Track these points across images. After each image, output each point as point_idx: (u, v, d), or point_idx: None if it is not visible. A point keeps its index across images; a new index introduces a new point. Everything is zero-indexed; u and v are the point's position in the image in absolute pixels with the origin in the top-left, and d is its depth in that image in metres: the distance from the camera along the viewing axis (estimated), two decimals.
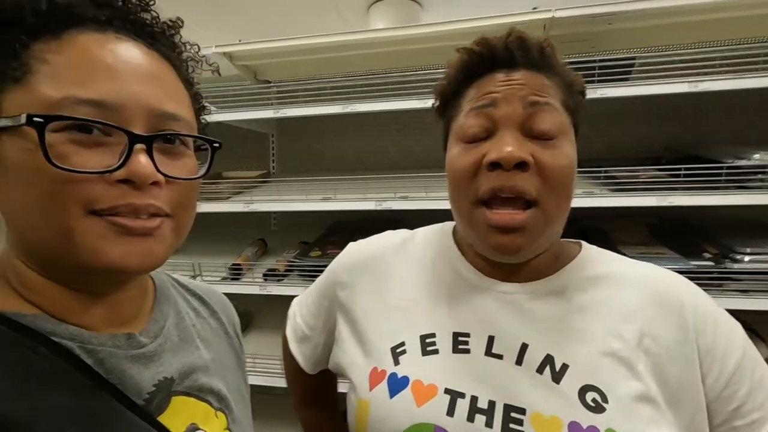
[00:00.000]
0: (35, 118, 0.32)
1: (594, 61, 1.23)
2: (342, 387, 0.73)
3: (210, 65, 0.50)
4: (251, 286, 1.45)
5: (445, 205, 1.40)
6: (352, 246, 0.70)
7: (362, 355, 0.59)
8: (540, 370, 0.50)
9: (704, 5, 1.20)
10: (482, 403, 0.49)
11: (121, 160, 0.35)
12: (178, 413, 0.42)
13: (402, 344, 0.56)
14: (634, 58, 1.26)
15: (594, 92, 1.22)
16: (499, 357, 0.52)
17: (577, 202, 1.33)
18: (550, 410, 0.47)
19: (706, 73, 1.17)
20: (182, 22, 0.45)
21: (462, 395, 0.50)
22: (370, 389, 0.54)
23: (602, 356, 0.49)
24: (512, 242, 0.50)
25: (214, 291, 0.60)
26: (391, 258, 0.64)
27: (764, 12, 1.24)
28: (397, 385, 0.53)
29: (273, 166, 1.98)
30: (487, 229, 0.50)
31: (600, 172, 1.32)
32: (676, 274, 0.56)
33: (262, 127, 1.90)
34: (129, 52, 0.37)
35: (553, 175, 0.49)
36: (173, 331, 0.47)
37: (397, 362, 0.54)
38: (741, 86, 1.14)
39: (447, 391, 0.50)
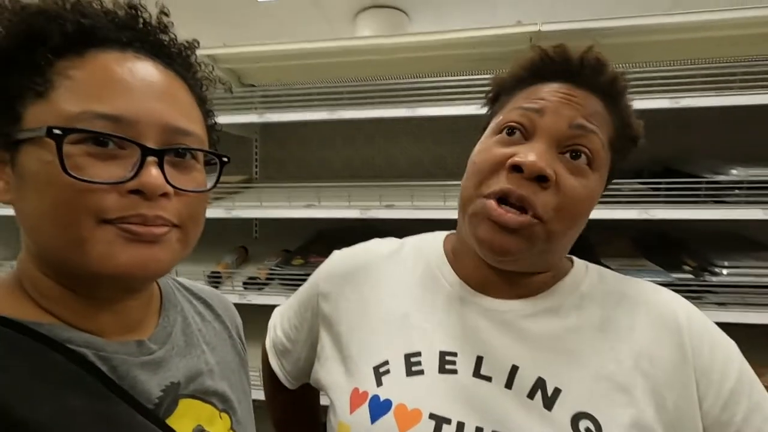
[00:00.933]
0: (54, 131, 0.34)
1: None
2: (324, 400, 0.70)
3: (223, 84, 0.52)
4: (231, 295, 1.41)
5: (431, 214, 1.39)
6: (336, 254, 0.67)
7: (344, 373, 0.55)
8: (531, 395, 0.47)
9: (686, 24, 1.23)
10: (469, 430, 0.46)
11: (133, 172, 0.37)
12: (185, 416, 0.44)
13: (386, 363, 0.52)
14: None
15: None
16: (488, 379, 0.49)
17: None
18: None
19: (687, 90, 1.20)
20: (198, 43, 0.47)
21: (448, 421, 0.47)
22: (351, 412, 0.51)
23: (597, 380, 0.47)
24: (505, 243, 0.47)
25: (218, 294, 0.61)
26: (377, 269, 0.61)
27: (742, 33, 1.28)
28: (379, 409, 0.50)
29: (256, 172, 1.95)
30: (482, 217, 0.48)
31: None
32: (672, 292, 0.54)
33: (245, 131, 1.86)
34: (146, 71, 0.40)
35: (567, 201, 0.47)
36: (180, 336, 0.49)
37: (379, 383, 0.51)
38: (720, 103, 1.17)
39: (432, 416, 0.48)
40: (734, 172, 1.19)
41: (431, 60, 1.55)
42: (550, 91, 0.50)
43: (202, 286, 0.60)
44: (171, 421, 0.42)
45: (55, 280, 0.40)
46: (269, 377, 0.71)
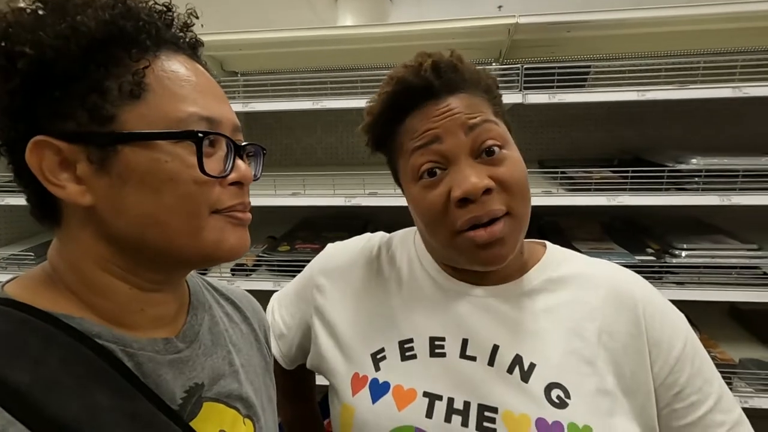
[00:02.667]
0: (199, 133, 0.38)
1: (553, 68, 1.30)
2: (320, 380, 0.75)
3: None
4: (219, 281, 1.44)
5: None
6: (330, 249, 0.71)
7: (342, 360, 0.61)
8: (510, 370, 0.53)
9: (652, 19, 1.29)
10: (458, 404, 0.52)
11: (229, 167, 0.41)
12: (209, 419, 0.44)
13: (381, 350, 0.58)
14: (589, 66, 1.34)
15: (553, 97, 1.29)
16: (473, 359, 0.55)
17: (536, 201, 1.40)
18: (519, 408, 0.51)
19: (652, 83, 1.27)
20: (203, 43, 0.48)
21: (439, 397, 0.53)
22: (353, 395, 0.57)
23: (566, 355, 0.53)
24: (498, 253, 0.52)
25: (246, 295, 0.61)
26: (369, 264, 0.66)
27: (705, 27, 1.35)
28: (378, 390, 0.56)
29: None
30: (472, 249, 0.52)
31: (557, 173, 1.41)
32: (632, 272, 0.61)
33: None
34: (203, 71, 0.43)
35: (513, 186, 0.52)
36: (207, 335, 0.48)
37: (377, 368, 0.57)
38: (683, 96, 1.24)
39: (425, 394, 0.54)
40: (693, 161, 1.27)
41: (413, 49, 1.57)
42: (427, 119, 0.53)
43: (231, 287, 0.59)
44: (195, 423, 0.42)
45: (123, 270, 0.41)
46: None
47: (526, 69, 1.30)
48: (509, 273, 0.59)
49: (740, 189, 1.23)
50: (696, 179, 1.26)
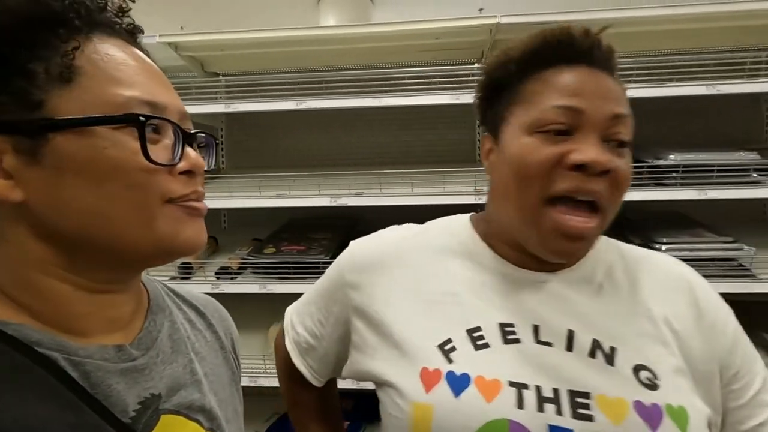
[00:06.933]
0: (140, 117, 0.36)
1: None
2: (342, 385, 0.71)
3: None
4: (203, 285, 1.42)
5: (400, 201, 1.44)
6: (357, 245, 0.66)
7: (401, 356, 0.55)
8: (592, 354, 0.51)
9: (631, 19, 1.32)
10: (547, 392, 0.49)
11: (178, 154, 0.39)
12: None
13: (449, 341, 0.53)
14: None
15: None
16: (549, 344, 0.52)
17: None
18: (613, 391, 0.48)
19: (630, 81, 1.30)
20: (142, 30, 0.46)
21: (526, 386, 0.49)
22: (427, 391, 0.51)
23: (641, 337, 0.52)
24: (576, 249, 0.51)
25: (212, 301, 0.58)
26: (409, 253, 0.61)
27: (679, 27, 1.39)
28: (458, 383, 0.50)
29: (223, 162, 1.93)
30: (554, 232, 0.50)
31: None
32: (671, 257, 0.61)
33: (209, 121, 1.84)
34: (143, 57, 0.41)
35: (623, 184, 0.51)
36: (166, 342, 0.45)
37: (449, 360, 0.52)
38: (660, 94, 1.28)
39: (511, 383, 0.50)
40: (672, 157, 1.30)
41: (396, 49, 1.58)
42: (579, 80, 0.51)
43: (195, 293, 0.56)
44: None
45: (65, 271, 0.38)
46: (292, 377, 0.70)
47: None
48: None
49: (716, 183, 1.27)
50: (674, 174, 1.29)
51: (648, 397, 0.48)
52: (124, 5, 0.42)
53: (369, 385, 0.60)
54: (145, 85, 0.38)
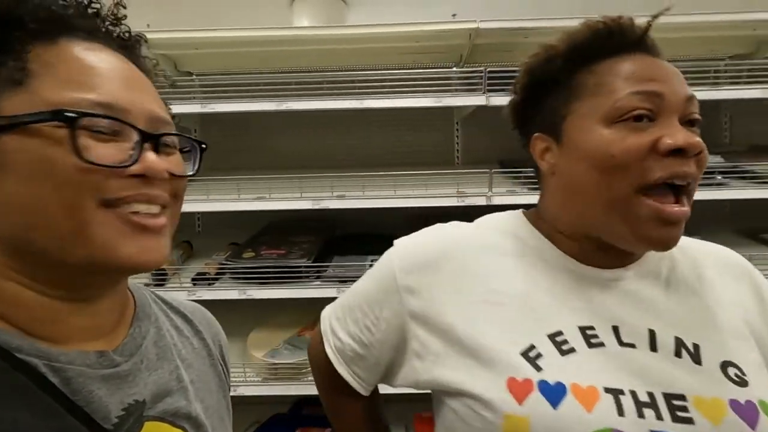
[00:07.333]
0: (68, 113, 0.34)
1: (516, 71, 1.33)
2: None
3: (166, 78, 0.52)
4: (179, 292, 1.36)
5: (383, 203, 1.43)
6: (404, 245, 0.61)
7: (480, 365, 0.51)
8: (677, 353, 0.49)
9: None
10: (643, 397, 0.47)
11: (133, 157, 0.37)
12: None
13: (532, 347, 0.50)
14: None
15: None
16: (632, 346, 0.50)
17: (502, 200, 1.42)
18: (708, 392, 0.47)
19: None
20: (146, 38, 0.47)
21: (621, 392, 0.47)
22: (520, 402, 0.47)
23: (720, 332, 0.51)
24: (676, 235, 0.49)
25: (199, 308, 0.57)
26: (462, 252, 0.58)
27: (653, 37, 1.45)
28: (554, 393, 0.47)
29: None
30: (654, 221, 0.48)
31: (519, 172, 1.45)
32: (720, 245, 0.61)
33: (182, 121, 1.77)
34: (120, 62, 0.40)
35: (704, 163, 0.50)
36: (151, 349, 0.45)
37: (537, 368, 0.49)
38: None
39: (607, 390, 0.47)
40: None
41: (373, 51, 1.58)
42: (646, 67, 0.51)
43: (182, 300, 0.55)
44: None
45: (22, 280, 0.37)
46: (334, 385, 0.66)
47: (490, 72, 1.34)
48: (628, 253, 0.55)
49: None
50: None
51: (741, 395, 0.47)
52: (115, 11, 0.42)
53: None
54: (108, 87, 0.37)
